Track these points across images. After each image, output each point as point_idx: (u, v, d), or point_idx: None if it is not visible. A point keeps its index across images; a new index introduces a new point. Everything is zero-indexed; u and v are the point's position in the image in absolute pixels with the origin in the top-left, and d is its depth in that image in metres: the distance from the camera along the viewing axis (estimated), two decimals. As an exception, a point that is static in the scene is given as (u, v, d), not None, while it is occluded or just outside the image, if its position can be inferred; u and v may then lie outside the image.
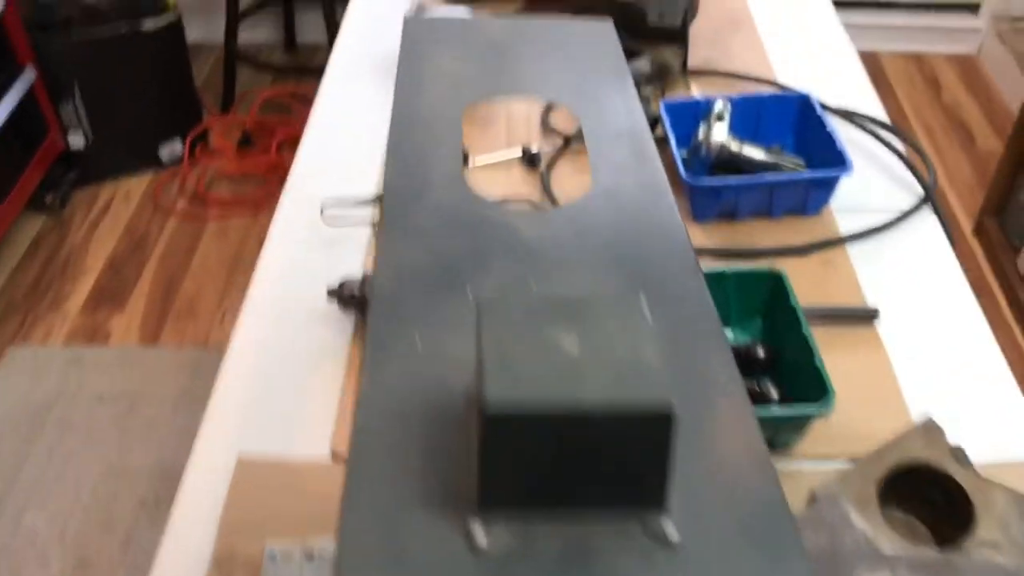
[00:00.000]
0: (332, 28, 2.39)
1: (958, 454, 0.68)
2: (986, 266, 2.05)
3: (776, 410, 0.73)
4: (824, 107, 1.10)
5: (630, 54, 1.19)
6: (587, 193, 0.50)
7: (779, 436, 0.75)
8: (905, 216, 1.00)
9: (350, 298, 0.86)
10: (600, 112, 0.57)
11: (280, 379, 0.82)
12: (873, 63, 2.74)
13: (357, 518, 0.31)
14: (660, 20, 1.16)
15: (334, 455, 0.76)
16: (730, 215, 0.98)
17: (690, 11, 1.20)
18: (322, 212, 0.99)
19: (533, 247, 0.45)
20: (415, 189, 0.49)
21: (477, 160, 1.08)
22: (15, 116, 2.03)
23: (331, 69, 1.27)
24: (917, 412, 0.80)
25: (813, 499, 0.67)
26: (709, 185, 0.94)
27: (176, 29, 2.28)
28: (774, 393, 0.78)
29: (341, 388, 0.81)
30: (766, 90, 1.20)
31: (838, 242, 0.96)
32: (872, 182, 1.06)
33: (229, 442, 0.77)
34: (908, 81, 2.73)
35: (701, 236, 0.97)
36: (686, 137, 1.04)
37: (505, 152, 1.09)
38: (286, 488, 0.74)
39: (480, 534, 0.30)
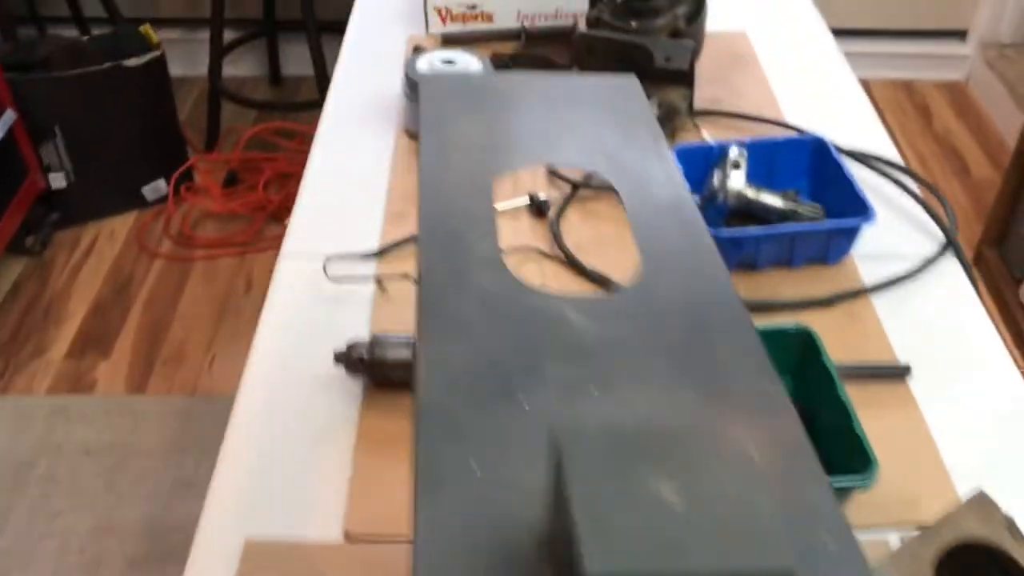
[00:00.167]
0: (319, 61, 2.36)
1: (1013, 529, 0.64)
2: (987, 298, 2.03)
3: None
4: (838, 149, 1.08)
5: (638, 97, 1.16)
6: (638, 277, 0.46)
7: (819, 507, 0.71)
8: (929, 263, 0.97)
9: (358, 362, 0.82)
10: (640, 182, 0.54)
11: (287, 453, 0.78)
12: (863, 90, 2.73)
13: None
14: (667, 62, 1.13)
15: (347, 535, 0.72)
16: (749, 265, 0.95)
17: (696, 51, 1.17)
18: (325, 269, 0.95)
19: (587, 344, 0.41)
20: (453, 275, 0.45)
21: (483, 209, 1.04)
22: (-5, 159, 1.98)
23: (327, 112, 1.23)
24: (956, 474, 0.76)
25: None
26: (730, 236, 0.91)
27: (159, 65, 2.24)
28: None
29: (352, 462, 0.76)
30: (776, 131, 1.17)
31: (862, 292, 0.93)
32: (890, 227, 1.03)
33: (235, 524, 0.73)
34: (899, 108, 2.72)
35: (720, 288, 0.93)
36: (698, 182, 1.00)
37: (512, 200, 1.06)
38: (298, 573, 0.70)
39: None
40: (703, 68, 1.29)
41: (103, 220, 2.29)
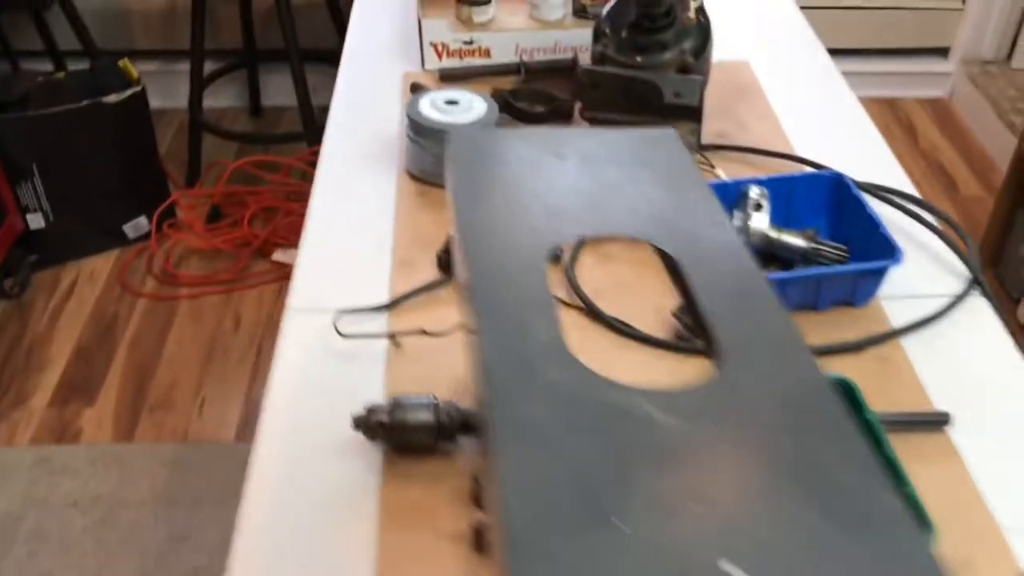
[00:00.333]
0: (302, 92, 2.31)
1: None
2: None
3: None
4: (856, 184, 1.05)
5: (648, 135, 1.13)
6: (716, 363, 0.42)
7: None
8: (957, 302, 0.94)
9: (378, 426, 0.78)
10: (702, 254, 0.50)
11: (305, 532, 0.73)
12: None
13: None
14: (677, 98, 1.10)
15: (375, 618, 0.67)
16: (774, 309, 0.92)
17: (704, 86, 1.14)
18: (336, 325, 0.91)
19: (676, 447, 0.38)
20: (519, 369, 0.41)
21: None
22: (-29, 201, 1.92)
23: (324, 154, 1.19)
24: (1010, 532, 0.73)
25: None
26: (757, 282, 0.88)
27: (139, 101, 2.19)
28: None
29: (377, 541, 0.72)
30: (787, 164, 1.14)
31: (892, 335, 0.90)
32: (910, 263, 1.01)
33: (255, 611, 0.68)
34: (884, 127, 2.72)
35: (746, 334, 0.90)
36: (717, 224, 0.97)
37: (523, 245, 1.02)
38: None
39: None
40: (708, 101, 1.27)
41: (83, 260, 2.23)
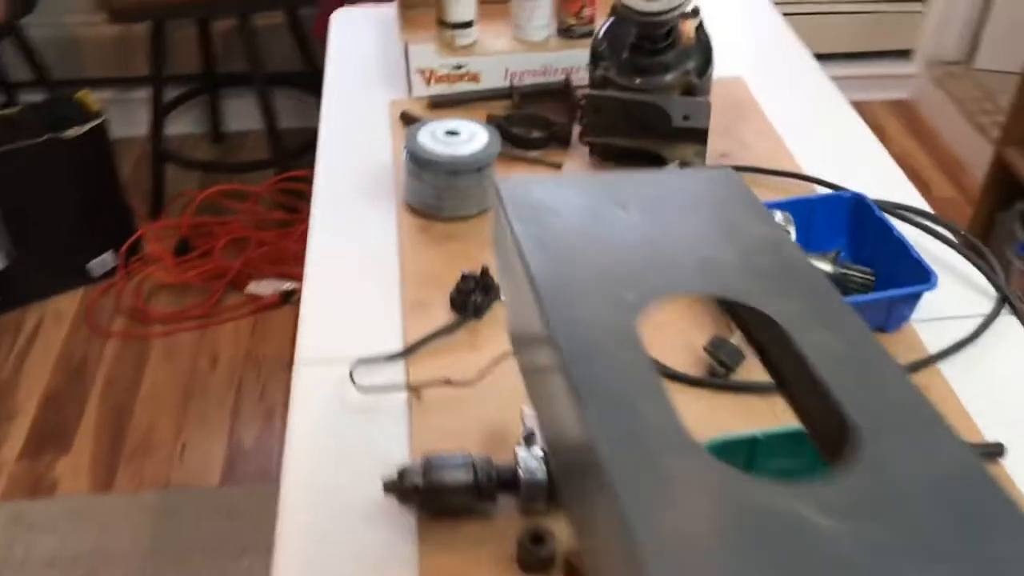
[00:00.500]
0: (269, 116, 2.25)
1: None
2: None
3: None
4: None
5: (660, 161, 1.10)
6: (854, 447, 0.39)
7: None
8: (989, 322, 0.92)
9: (413, 491, 0.73)
10: (797, 308, 0.46)
11: (346, 609, 0.68)
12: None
13: None
14: (686, 121, 1.06)
15: None
16: (808, 340, 0.89)
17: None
18: (352, 376, 0.86)
19: (843, 555, 0.33)
20: (643, 465, 0.37)
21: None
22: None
23: (318, 190, 1.14)
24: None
25: None
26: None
27: (99, 133, 2.10)
28: None
29: (423, 615, 0.67)
30: (796, 183, 1.12)
31: (930, 361, 0.87)
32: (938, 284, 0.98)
33: None
34: (853, 131, 2.73)
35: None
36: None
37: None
38: None
39: None
40: (711, 123, 1.23)
41: (47, 300, 2.14)
